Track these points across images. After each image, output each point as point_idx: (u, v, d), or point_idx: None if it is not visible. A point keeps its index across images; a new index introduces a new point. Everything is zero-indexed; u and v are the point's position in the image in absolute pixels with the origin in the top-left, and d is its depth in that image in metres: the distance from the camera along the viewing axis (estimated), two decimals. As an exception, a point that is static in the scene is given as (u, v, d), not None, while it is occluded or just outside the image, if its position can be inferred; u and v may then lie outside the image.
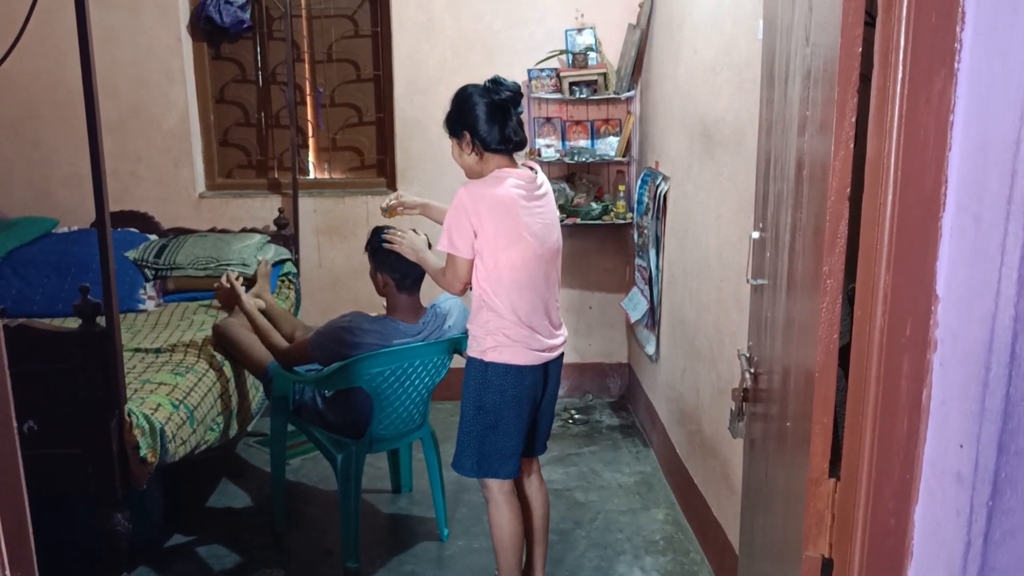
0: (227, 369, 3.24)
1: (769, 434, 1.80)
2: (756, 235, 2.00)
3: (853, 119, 1.19)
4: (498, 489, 2.72)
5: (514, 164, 2.64)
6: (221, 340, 3.44)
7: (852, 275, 1.24)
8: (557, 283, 2.73)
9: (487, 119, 2.55)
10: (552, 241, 2.65)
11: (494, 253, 2.53)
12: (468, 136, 2.57)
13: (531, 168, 2.67)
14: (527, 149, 4.42)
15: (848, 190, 1.20)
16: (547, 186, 2.70)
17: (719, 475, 3.03)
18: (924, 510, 1.10)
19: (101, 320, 2.45)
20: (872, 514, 1.18)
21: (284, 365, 3.21)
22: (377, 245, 2.97)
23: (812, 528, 1.30)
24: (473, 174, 2.63)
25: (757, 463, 1.99)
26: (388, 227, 3.01)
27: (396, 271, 2.97)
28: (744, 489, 2.22)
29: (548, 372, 2.73)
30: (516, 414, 2.65)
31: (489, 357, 2.61)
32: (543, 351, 2.66)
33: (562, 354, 2.78)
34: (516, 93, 2.60)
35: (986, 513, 1.03)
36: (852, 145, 1.20)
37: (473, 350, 2.66)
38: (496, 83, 2.59)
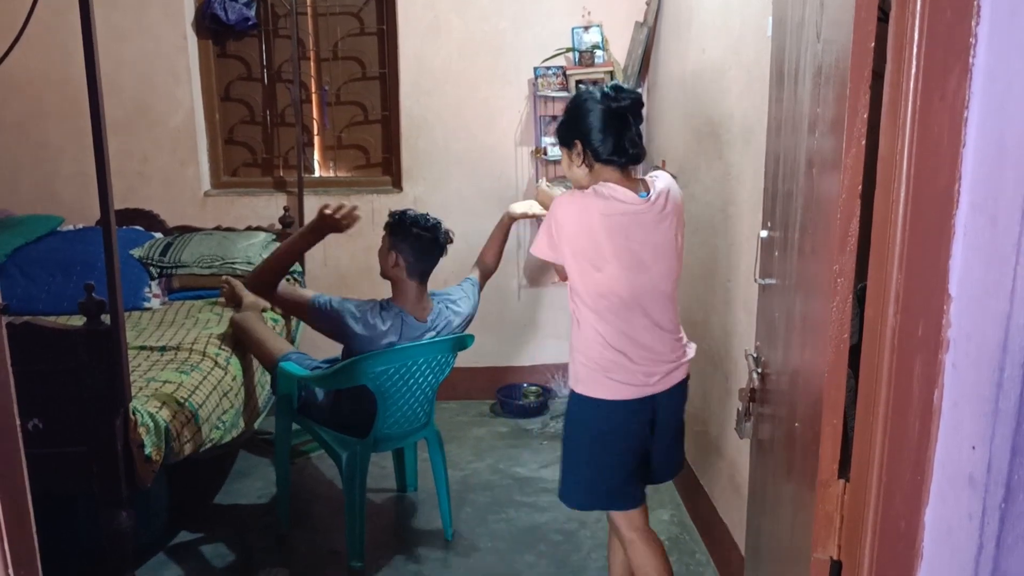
0: (233, 367, 3.23)
1: (777, 435, 1.79)
2: (764, 234, 1.98)
3: (865, 116, 1.18)
4: (627, 527, 2.48)
5: (629, 179, 2.35)
6: (238, 331, 3.45)
7: (862, 275, 1.23)
8: (670, 306, 2.44)
9: (601, 128, 2.30)
10: (662, 268, 2.36)
11: (581, 273, 2.32)
12: (580, 146, 2.33)
13: (647, 188, 2.37)
14: (534, 146, 4.41)
15: (860, 188, 1.18)
16: (671, 202, 2.38)
17: (725, 476, 3.01)
18: (935, 513, 1.08)
19: (106, 318, 2.44)
20: (882, 516, 1.17)
21: (261, 290, 2.95)
22: (400, 220, 2.95)
23: (821, 530, 1.29)
24: (584, 188, 2.38)
25: (764, 464, 1.97)
26: (410, 209, 3.02)
27: (413, 253, 2.95)
28: (751, 490, 2.21)
29: (657, 404, 2.43)
30: (611, 451, 2.41)
31: (580, 389, 2.39)
32: (642, 384, 2.38)
33: (683, 380, 2.50)
34: (637, 101, 2.34)
35: (999, 516, 1.01)
36: (864, 142, 1.18)
37: (569, 378, 2.45)
38: (617, 89, 2.33)
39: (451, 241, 3.05)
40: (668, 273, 2.40)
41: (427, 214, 3.02)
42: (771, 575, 1.84)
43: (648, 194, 2.34)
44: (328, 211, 2.95)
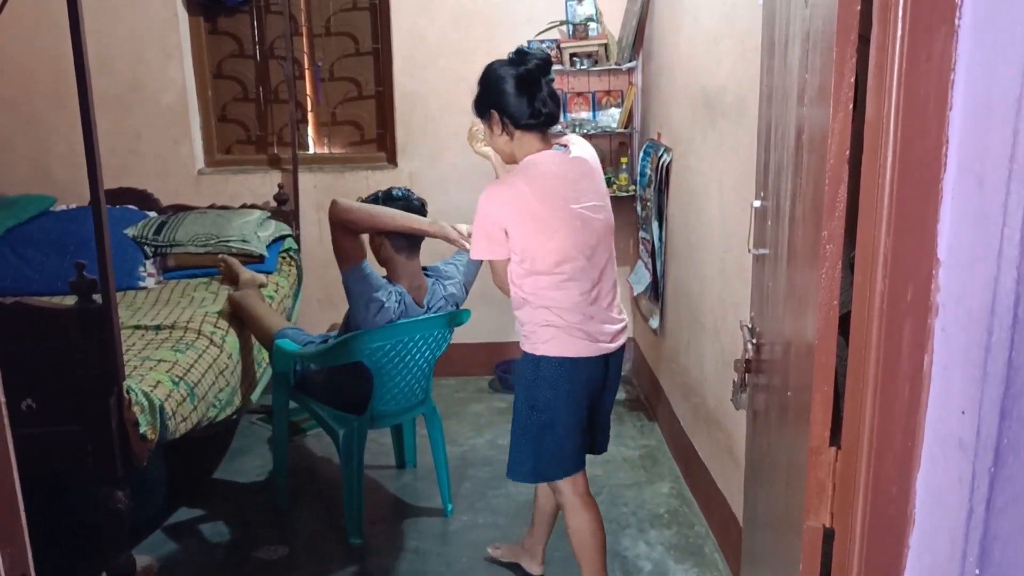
0: (228, 345, 3.23)
1: (771, 405, 1.79)
2: (757, 204, 1.97)
3: (852, 80, 1.16)
4: (571, 492, 2.55)
5: (548, 143, 2.43)
6: (237, 310, 3.46)
7: (853, 243, 1.21)
8: (611, 263, 2.51)
9: (514, 93, 2.35)
10: (599, 222, 2.44)
11: (531, 249, 2.36)
12: (496, 115, 2.39)
13: (564, 146, 2.47)
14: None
15: (847, 153, 1.17)
16: (590, 159, 2.48)
17: (723, 447, 3.02)
18: (926, 477, 1.08)
19: (98, 297, 2.43)
20: (873, 482, 1.16)
21: (345, 221, 2.88)
22: (371, 201, 2.96)
23: (813, 497, 1.28)
24: (509, 159, 2.47)
25: (760, 435, 1.97)
26: (394, 187, 3.02)
27: (394, 232, 2.95)
28: (747, 461, 2.21)
29: (608, 365, 2.53)
30: (573, 411, 2.47)
31: (541, 351, 2.43)
32: (601, 340, 2.46)
33: (623, 344, 2.57)
34: (544, 61, 2.38)
35: (988, 480, 1.00)
36: (851, 107, 1.17)
37: (524, 344, 2.48)
38: (520, 53, 2.39)
39: (425, 204, 3.07)
40: (608, 227, 2.48)
41: (392, 187, 3.07)
42: (768, 544, 1.84)
43: (564, 148, 2.44)
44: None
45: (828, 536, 1.32)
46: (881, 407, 1.12)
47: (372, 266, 2.94)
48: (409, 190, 3.07)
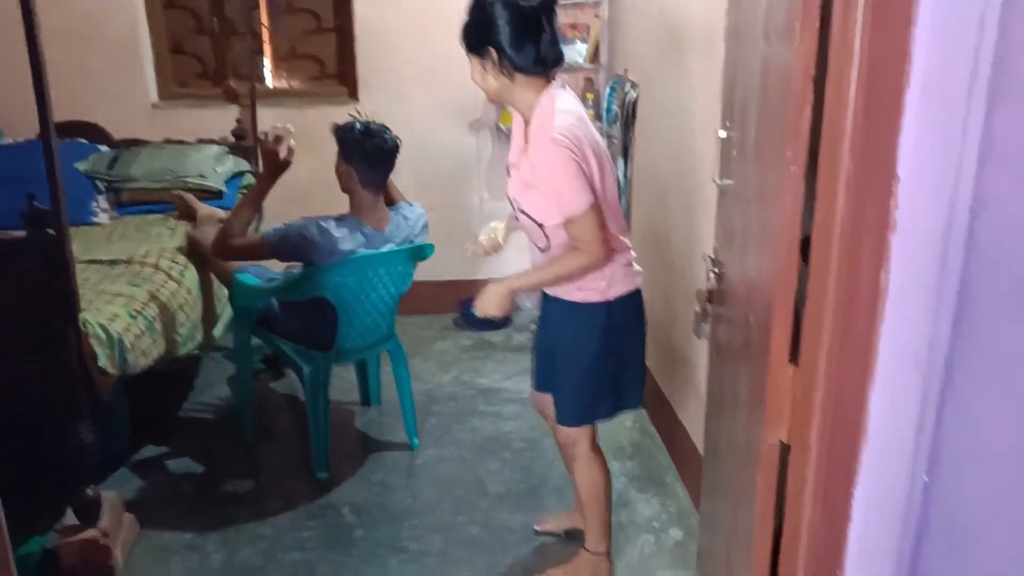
0: (188, 280, 3.19)
1: (733, 334, 1.81)
2: (723, 134, 1.97)
3: (818, 2, 1.16)
4: (588, 442, 2.49)
5: (549, 81, 2.25)
6: (196, 247, 3.41)
7: (815, 174, 1.21)
8: None
9: (515, 34, 2.15)
10: (612, 164, 2.36)
11: (600, 179, 2.23)
12: (494, 54, 2.17)
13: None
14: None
15: (813, 73, 1.17)
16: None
17: (686, 382, 3.07)
18: (880, 393, 1.10)
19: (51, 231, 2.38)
20: (830, 398, 1.19)
21: (227, 255, 3.00)
22: (348, 131, 2.90)
23: (772, 415, 1.31)
24: (499, 99, 2.31)
25: (721, 365, 2.00)
26: (372, 122, 2.96)
27: (364, 162, 2.91)
28: (709, 391, 2.25)
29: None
30: (625, 346, 2.40)
31: (612, 294, 2.31)
32: (640, 274, 2.41)
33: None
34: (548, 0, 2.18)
35: (940, 392, 1.04)
36: (817, 26, 1.16)
37: (589, 296, 2.32)
38: None
39: (398, 146, 3.00)
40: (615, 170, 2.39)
41: (371, 121, 2.99)
42: (727, 471, 1.89)
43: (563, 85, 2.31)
44: (263, 136, 3.01)
45: (785, 452, 1.35)
46: (839, 324, 1.15)
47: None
48: (386, 128, 2.98)
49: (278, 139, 2.98)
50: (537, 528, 2.87)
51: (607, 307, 2.33)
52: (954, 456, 1.06)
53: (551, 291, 2.40)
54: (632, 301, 2.38)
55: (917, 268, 1.03)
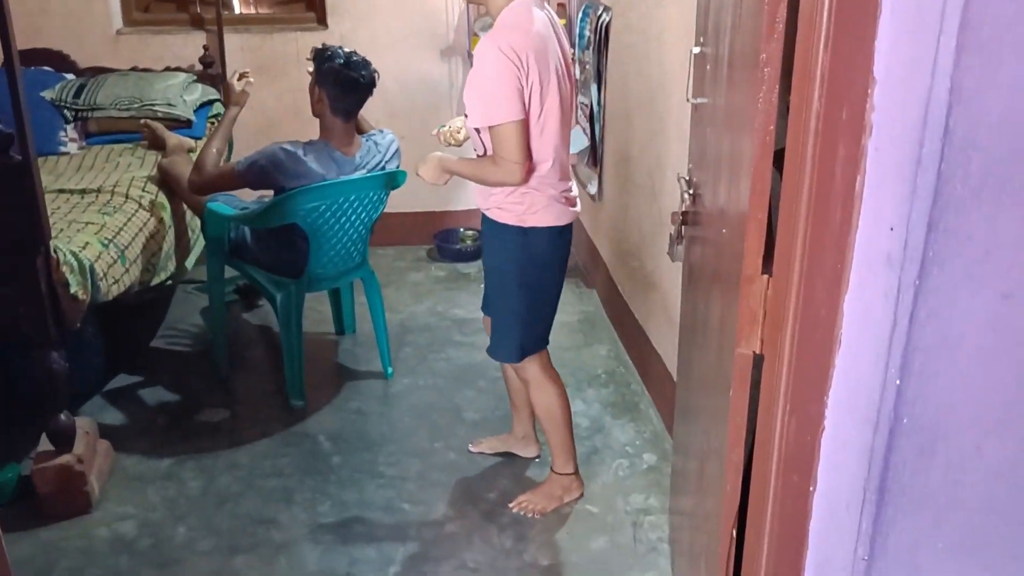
0: (158, 209, 3.14)
1: (708, 253, 1.81)
2: (697, 50, 1.95)
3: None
4: (540, 367, 2.53)
5: None
6: (166, 177, 3.37)
7: (789, 86, 1.19)
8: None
9: None
10: (566, 85, 2.34)
11: (540, 101, 2.22)
12: None
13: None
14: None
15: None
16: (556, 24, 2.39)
17: (660, 308, 3.08)
18: (853, 297, 1.11)
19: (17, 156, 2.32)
20: (803, 306, 1.19)
21: (202, 189, 3.05)
22: (328, 58, 2.86)
23: (745, 326, 1.32)
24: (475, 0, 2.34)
25: (695, 287, 2.01)
26: (354, 54, 2.91)
27: (335, 88, 2.87)
28: (682, 315, 2.26)
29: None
30: (558, 279, 2.47)
31: (530, 222, 2.34)
32: (573, 206, 2.42)
33: None
34: None
35: (913, 293, 1.04)
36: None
37: (505, 217, 2.35)
38: None
39: (375, 82, 2.95)
40: (569, 92, 2.38)
41: (354, 52, 2.93)
42: (700, 394, 1.90)
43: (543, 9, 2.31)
44: (231, 81, 3.15)
45: (758, 363, 1.36)
46: (813, 231, 1.14)
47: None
48: (367, 62, 2.92)
49: (242, 75, 3.14)
50: (472, 449, 2.93)
51: (522, 233, 2.35)
52: (925, 357, 1.07)
53: (483, 207, 2.43)
54: (553, 235, 2.38)
55: (892, 168, 1.02)
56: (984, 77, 0.92)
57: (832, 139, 1.08)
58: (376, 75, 2.94)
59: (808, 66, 1.10)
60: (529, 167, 2.26)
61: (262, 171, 2.87)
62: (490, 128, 2.22)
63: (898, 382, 1.09)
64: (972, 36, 0.91)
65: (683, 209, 2.00)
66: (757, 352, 1.33)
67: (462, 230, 4.62)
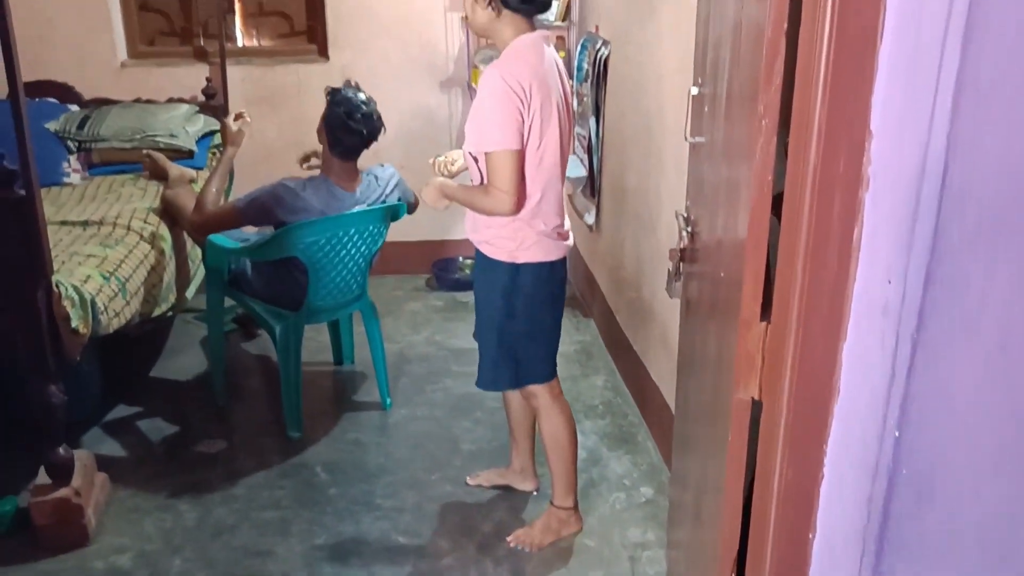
0: (160, 241, 3.16)
1: (704, 291, 1.82)
2: (695, 91, 1.97)
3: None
4: (548, 393, 2.53)
5: (533, 28, 2.30)
6: (170, 208, 3.38)
7: (787, 130, 1.21)
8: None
9: None
10: (565, 122, 2.36)
11: (540, 134, 2.24)
12: None
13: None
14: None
15: (785, 25, 1.17)
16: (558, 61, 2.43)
17: (658, 339, 3.09)
18: (851, 347, 1.12)
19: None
20: (801, 354, 1.20)
21: (204, 229, 3.08)
22: (338, 103, 2.90)
23: (743, 371, 1.32)
24: (483, 33, 2.36)
25: (693, 322, 2.02)
26: (364, 100, 2.93)
27: (332, 132, 2.91)
28: (680, 349, 2.26)
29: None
30: (554, 311, 2.49)
31: (521, 259, 2.35)
32: (566, 240, 2.44)
33: None
34: None
35: (910, 343, 1.05)
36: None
37: (496, 253, 2.37)
38: None
39: (377, 135, 2.98)
40: (568, 129, 2.40)
41: (365, 102, 2.94)
42: (698, 429, 1.91)
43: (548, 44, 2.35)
44: (227, 121, 3.25)
45: (757, 409, 1.37)
46: (811, 279, 1.16)
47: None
48: (376, 115, 2.95)
49: (238, 116, 3.25)
50: (470, 482, 2.92)
51: (513, 269, 2.37)
52: (923, 408, 1.08)
53: (474, 240, 2.45)
54: (544, 271, 2.39)
55: (889, 220, 1.04)
56: (981, 129, 0.93)
57: (829, 191, 1.09)
58: (381, 128, 2.97)
59: (806, 119, 1.11)
60: (521, 198, 2.28)
61: (263, 207, 2.89)
62: (485, 155, 2.25)
63: (897, 433, 1.09)
64: (969, 88, 0.92)
65: (681, 246, 2.01)
66: (756, 398, 1.33)
67: (460, 259, 4.63)
